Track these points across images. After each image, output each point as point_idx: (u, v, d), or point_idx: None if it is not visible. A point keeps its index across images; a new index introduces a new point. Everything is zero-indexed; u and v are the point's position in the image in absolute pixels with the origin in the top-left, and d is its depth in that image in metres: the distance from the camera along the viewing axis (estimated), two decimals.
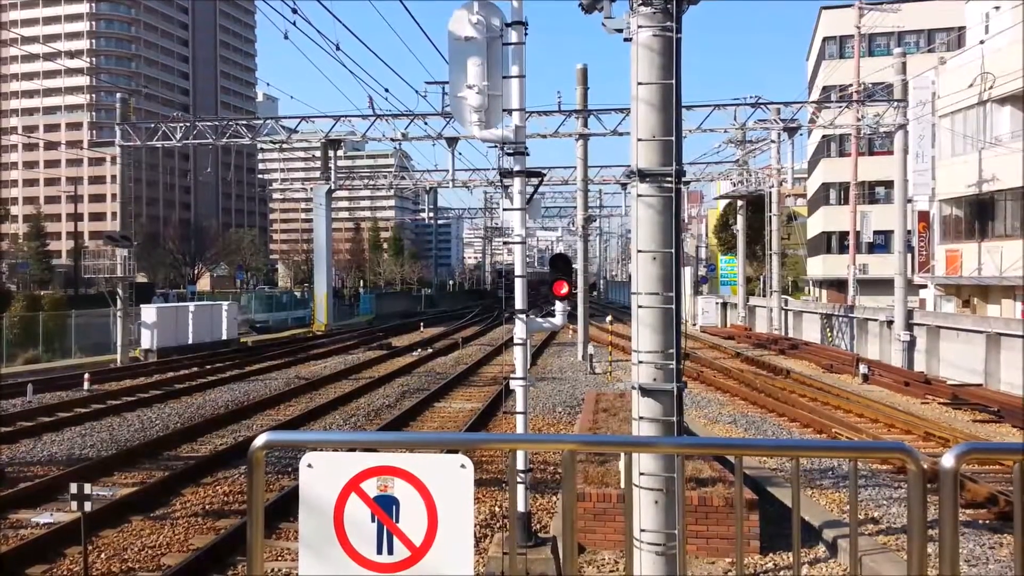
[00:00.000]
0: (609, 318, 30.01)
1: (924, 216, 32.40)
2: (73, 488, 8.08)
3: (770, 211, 38.99)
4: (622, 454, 6.87)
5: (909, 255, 29.73)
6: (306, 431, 15.69)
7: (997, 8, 29.43)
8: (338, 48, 17.02)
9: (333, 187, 42.05)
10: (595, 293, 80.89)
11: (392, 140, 33.44)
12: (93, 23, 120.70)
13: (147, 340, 30.70)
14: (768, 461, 11.73)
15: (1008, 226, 27.86)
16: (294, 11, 15.37)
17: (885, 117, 28.42)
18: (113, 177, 76.34)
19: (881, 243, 42.73)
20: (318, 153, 45.42)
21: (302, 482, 2.56)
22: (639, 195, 6.76)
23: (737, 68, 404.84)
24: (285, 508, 10.01)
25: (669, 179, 6.69)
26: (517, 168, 8.07)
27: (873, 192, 45.63)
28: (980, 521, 9.55)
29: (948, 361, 24.67)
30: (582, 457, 9.15)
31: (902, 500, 10.07)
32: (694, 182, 46.26)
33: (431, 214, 73.11)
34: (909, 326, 26.57)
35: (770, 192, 38.70)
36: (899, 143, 27.69)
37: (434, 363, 28.59)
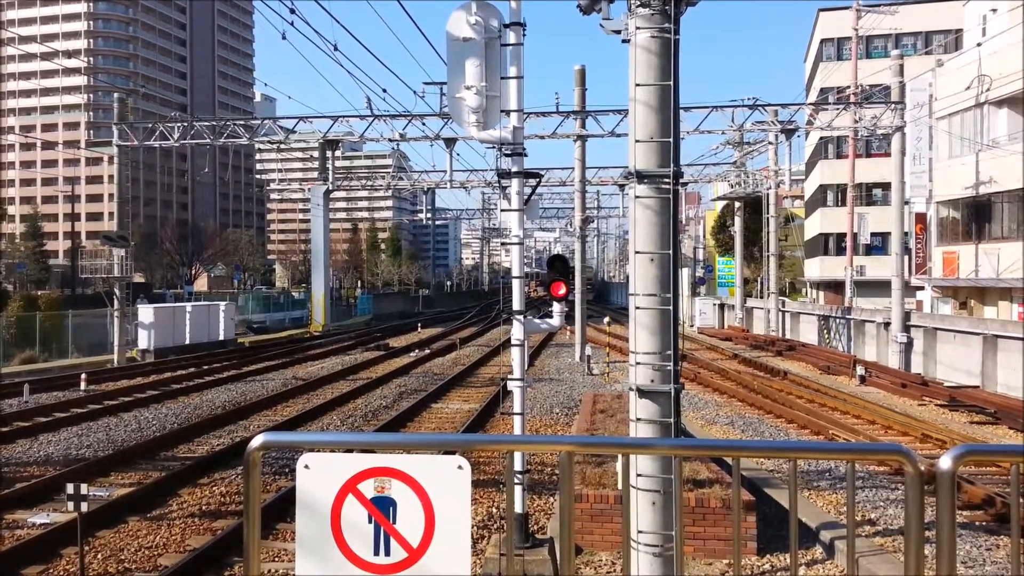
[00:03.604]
0: (607, 319, 30.03)
1: (921, 218, 32.44)
2: (70, 488, 8.06)
3: (767, 213, 39.02)
4: (619, 455, 6.87)
5: (906, 257, 29.77)
6: (303, 432, 15.67)
7: (994, 10, 29.48)
8: (336, 48, 17.02)
9: (331, 187, 42.02)
10: (592, 296, 79.72)
11: (390, 141, 33.44)
12: (91, 23, 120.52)
13: (144, 340, 30.68)
14: (765, 462, 11.74)
15: (1005, 228, 27.90)
16: (292, 11, 15.38)
17: (883, 119, 28.47)
18: (110, 177, 76.31)
19: (878, 245, 42.79)
20: (316, 153, 45.40)
21: (299, 483, 2.56)
22: (637, 196, 6.76)
23: (735, 70, 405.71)
24: (282, 509, 10.00)
25: (667, 180, 6.70)
26: (515, 169, 8.07)
27: (870, 194, 45.69)
28: (977, 523, 9.56)
29: (945, 363, 24.70)
30: (579, 458, 9.15)
31: (899, 502, 10.08)
32: (692, 183, 46.31)
33: (429, 215, 73.11)
34: (906, 328, 26.60)
35: (768, 194, 38.74)
36: (896, 145, 27.73)
37: (432, 364, 28.57)
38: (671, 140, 6.70)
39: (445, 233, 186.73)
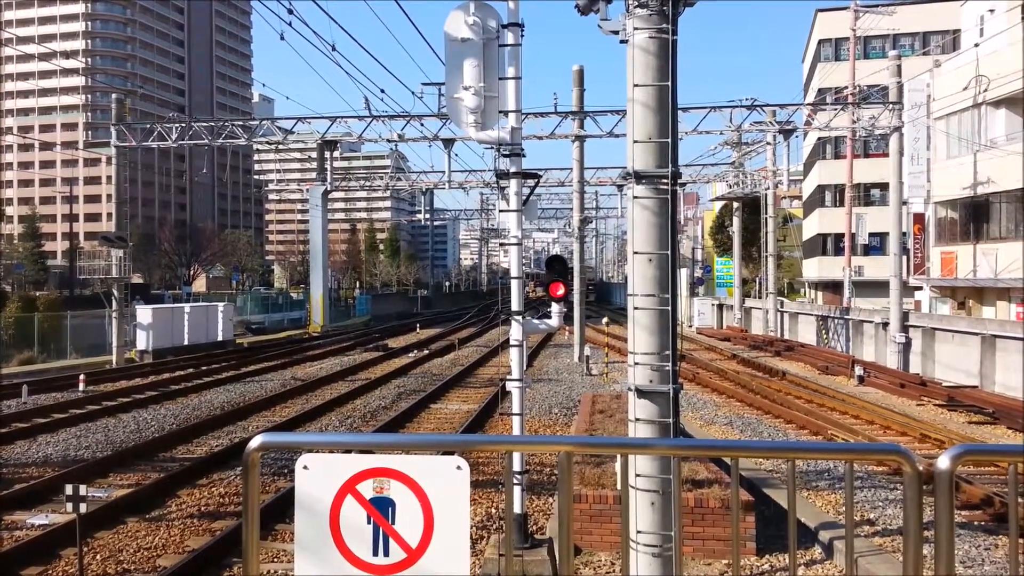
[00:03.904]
0: (605, 319, 30.02)
1: (919, 218, 32.48)
2: (68, 489, 8.05)
3: (766, 213, 39.04)
4: (618, 456, 6.88)
5: (904, 257, 29.79)
6: (302, 433, 15.67)
7: (992, 11, 29.52)
8: (334, 49, 17.01)
9: (329, 188, 42.00)
10: (593, 297, 78.29)
11: (388, 141, 33.40)
12: (89, 23, 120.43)
13: (143, 341, 30.67)
14: (764, 463, 11.75)
15: (1003, 228, 27.94)
16: (290, 12, 15.36)
17: (880, 119, 28.47)
18: (109, 178, 76.21)
19: (876, 245, 42.84)
20: (314, 154, 45.42)
21: (298, 484, 2.56)
22: (635, 197, 6.77)
23: (733, 70, 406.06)
24: (281, 510, 10.00)
25: (665, 181, 6.70)
26: (513, 169, 8.07)
27: (868, 194, 45.73)
28: (975, 522, 9.57)
29: (943, 363, 24.72)
30: (578, 459, 9.15)
31: (898, 502, 10.09)
32: (690, 184, 46.34)
33: (427, 215, 73.13)
34: (904, 328, 26.62)
35: (766, 194, 38.76)
36: (894, 145, 27.75)
37: (430, 364, 28.56)
38: (669, 140, 6.70)
39: (444, 234, 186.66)
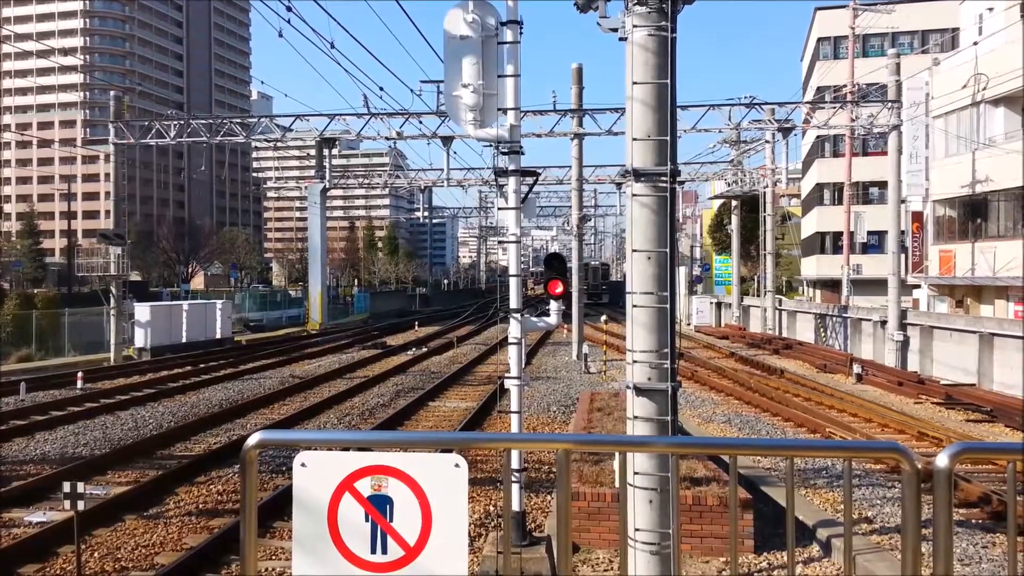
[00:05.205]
0: (604, 317, 30.03)
1: (918, 216, 32.49)
2: (66, 487, 8.05)
3: (764, 211, 39.05)
4: (616, 453, 6.88)
5: (903, 255, 29.81)
6: (300, 430, 15.67)
7: (991, 9, 29.53)
8: (333, 46, 16.99)
9: (328, 186, 41.96)
10: (607, 299, 75.12)
11: (387, 139, 33.41)
12: (87, 20, 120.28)
13: (141, 339, 30.64)
14: (762, 460, 11.75)
15: (1001, 226, 27.97)
16: (288, 9, 15.33)
17: (879, 118, 28.49)
18: (107, 175, 76.01)
19: (875, 243, 42.88)
20: (313, 152, 45.40)
21: (296, 481, 2.56)
22: (634, 195, 6.76)
23: (732, 68, 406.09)
24: (279, 507, 10.00)
25: (664, 179, 6.69)
26: (512, 167, 8.07)
27: (867, 192, 45.77)
28: (974, 520, 9.58)
29: (941, 361, 24.75)
30: (576, 456, 9.15)
31: (896, 500, 10.10)
32: (689, 182, 46.41)
33: (426, 213, 73.10)
34: (903, 326, 26.63)
35: (764, 192, 38.77)
36: (893, 144, 27.76)
37: (429, 362, 28.56)
38: (668, 138, 6.70)
39: (442, 231, 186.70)
